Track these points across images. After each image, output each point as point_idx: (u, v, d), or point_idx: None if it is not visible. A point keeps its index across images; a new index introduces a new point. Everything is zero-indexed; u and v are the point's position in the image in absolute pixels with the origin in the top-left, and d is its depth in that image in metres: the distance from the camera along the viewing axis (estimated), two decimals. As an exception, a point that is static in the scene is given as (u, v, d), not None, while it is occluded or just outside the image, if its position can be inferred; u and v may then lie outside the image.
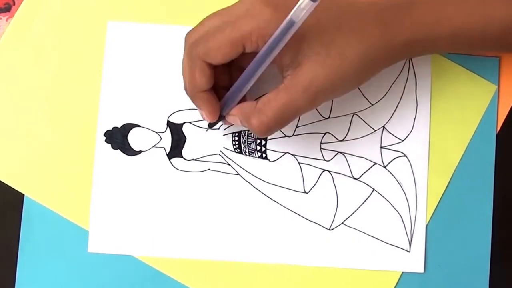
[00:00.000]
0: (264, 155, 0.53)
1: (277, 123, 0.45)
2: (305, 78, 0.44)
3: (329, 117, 0.53)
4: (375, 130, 0.53)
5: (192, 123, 0.53)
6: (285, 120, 0.45)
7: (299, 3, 0.40)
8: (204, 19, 0.46)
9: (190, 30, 0.47)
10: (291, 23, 0.41)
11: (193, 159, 0.53)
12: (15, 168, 0.53)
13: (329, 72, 0.44)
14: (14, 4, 0.55)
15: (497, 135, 0.54)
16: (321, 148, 0.53)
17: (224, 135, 0.53)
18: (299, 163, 0.53)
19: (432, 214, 0.53)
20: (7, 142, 0.53)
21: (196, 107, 0.48)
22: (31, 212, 0.52)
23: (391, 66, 0.47)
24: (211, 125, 0.51)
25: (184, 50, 0.47)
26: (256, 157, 0.53)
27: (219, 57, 0.44)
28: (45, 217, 0.52)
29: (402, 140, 0.53)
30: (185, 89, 0.48)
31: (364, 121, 0.53)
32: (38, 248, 0.52)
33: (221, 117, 0.49)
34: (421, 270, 0.53)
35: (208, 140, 0.53)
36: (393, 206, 0.53)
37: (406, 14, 0.45)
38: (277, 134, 0.53)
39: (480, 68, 0.53)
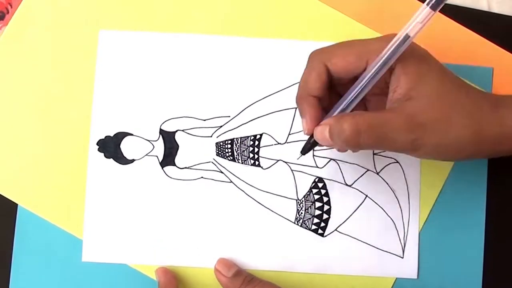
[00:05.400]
0: (257, 163, 0.53)
1: (369, 135, 0.43)
2: (412, 108, 0.44)
3: (321, 124, 0.53)
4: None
5: (185, 131, 0.53)
6: (377, 137, 0.43)
7: (414, 17, 0.41)
8: None
9: None
10: (406, 38, 0.42)
11: (186, 167, 0.53)
12: (8, 178, 0.53)
13: (435, 112, 0.44)
14: (8, 12, 0.55)
15: (490, 141, 0.53)
16: (313, 155, 0.53)
17: (216, 142, 0.53)
18: (292, 170, 0.53)
19: (425, 220, 0.53)
20: (0, 152, 0.53)
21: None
22: (25, 222, 0.52)
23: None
24: (305, 151, 0.48)
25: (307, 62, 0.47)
26: (249, 164, 0.53)
27: (340, 64, 0.44)
28: (39, 226, 0.52)
29: (395, 147, 0.53)
30: (296, 96, 0.47)
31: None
32: (32, 258, 0.52)
33: (315, 144, 0.47)
34: (415, 276, 0.53)
35: (201, 148, 0.53)
36: (386, 213, 0.53)
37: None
38: (270, 141, 0.53)
39: (474, 76, 0.53)
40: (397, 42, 0.43)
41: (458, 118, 0.44)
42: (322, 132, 0.45)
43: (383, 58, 0.43)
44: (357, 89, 0.44)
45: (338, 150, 0.49)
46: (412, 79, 0.44)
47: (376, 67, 0.44)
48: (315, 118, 0.45)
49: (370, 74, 0.44)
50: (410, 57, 0.44)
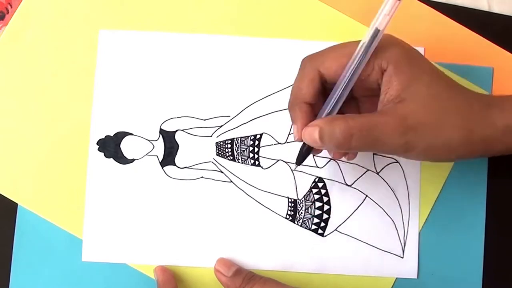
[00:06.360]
0: (257, 163, 0.53)
1: (361, 139, 0.43)
2: (404, 110, 0.43)
3: (321, 124, 0.53)
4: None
5: (185, 130, 0.53)
6: (369, 140, 0.43)
7: (380, 9, 0.42)
8: None
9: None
10: (376, 32, 0.43)
11: (186, 167, 0.53)
12: (8, 178, 0.53)
13: (427, 114, 0.43)
14: (8, 12, 0.55)
15: (490, 141, 0.53)
16: (313, 155, 0.53)
17: (216, 142, 0.53)
18: (291, 170, 0.53)
19: (425, 220, 0.53)
20: (0, 152, 0.53)
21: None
22: (25, 222, 0.52)
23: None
24: (299, 160, 0.47)
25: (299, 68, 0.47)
26: (249, 164, 0.53)
27: (333, 68, 0.44)
28: (39, 226, 0.52)
29: (395, 147, 0.53)
30: (288, 102, 0.47)
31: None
32: (32, 258, 0.52)
33: (308, 152, 0.47)
34: (415, 276, 0.53)
35: (201, 148, 0.53)
36: (386, 213, 0.53)
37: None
38: (270, 141, 0.53)
39: (474, 76, 0.53)
40: (368, 38, 0.43)
41: (449, 120, 0.44)
42: (311, 134, 0.44)
43: (359, 55, 0.43)
44: (339, 89, 0.45)
45: (329, 152, 0.50)
46: (404, 81, 0.44)
47: (353, 65, 0.44)
48: (307, 124, 0.45)
49: (348, 73, 0.44)
50: (401, 59, 0.44)
